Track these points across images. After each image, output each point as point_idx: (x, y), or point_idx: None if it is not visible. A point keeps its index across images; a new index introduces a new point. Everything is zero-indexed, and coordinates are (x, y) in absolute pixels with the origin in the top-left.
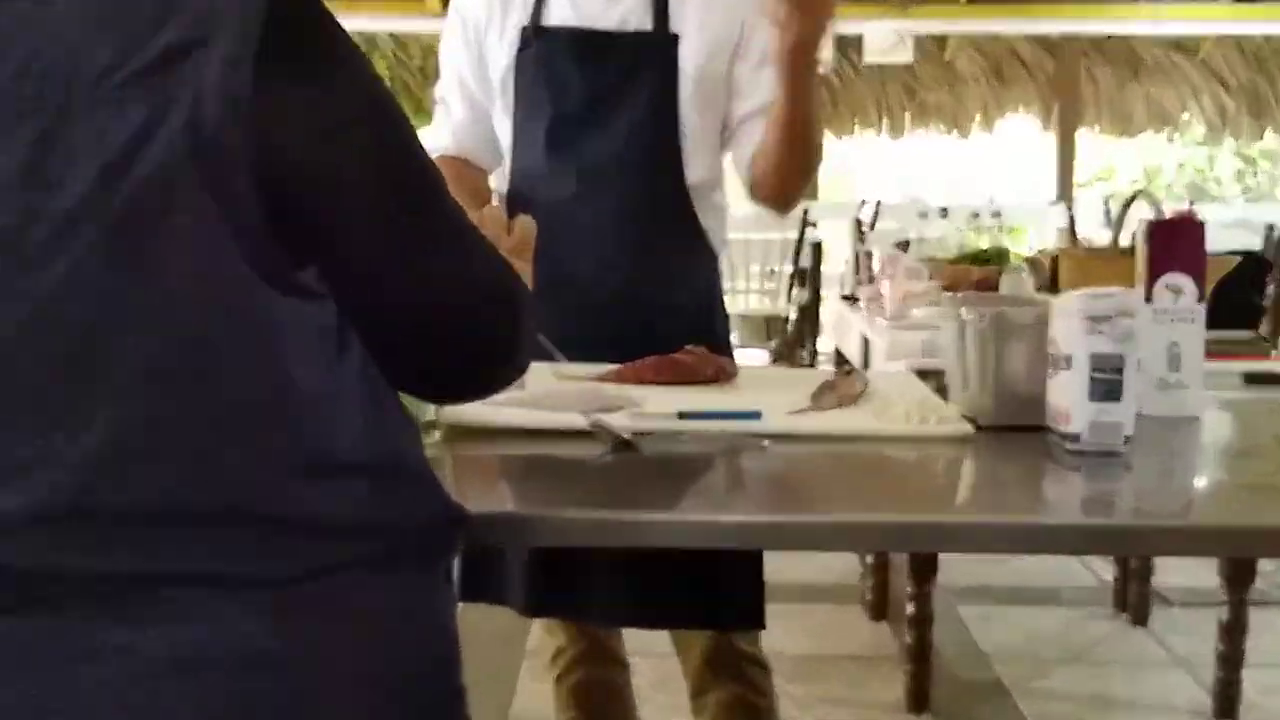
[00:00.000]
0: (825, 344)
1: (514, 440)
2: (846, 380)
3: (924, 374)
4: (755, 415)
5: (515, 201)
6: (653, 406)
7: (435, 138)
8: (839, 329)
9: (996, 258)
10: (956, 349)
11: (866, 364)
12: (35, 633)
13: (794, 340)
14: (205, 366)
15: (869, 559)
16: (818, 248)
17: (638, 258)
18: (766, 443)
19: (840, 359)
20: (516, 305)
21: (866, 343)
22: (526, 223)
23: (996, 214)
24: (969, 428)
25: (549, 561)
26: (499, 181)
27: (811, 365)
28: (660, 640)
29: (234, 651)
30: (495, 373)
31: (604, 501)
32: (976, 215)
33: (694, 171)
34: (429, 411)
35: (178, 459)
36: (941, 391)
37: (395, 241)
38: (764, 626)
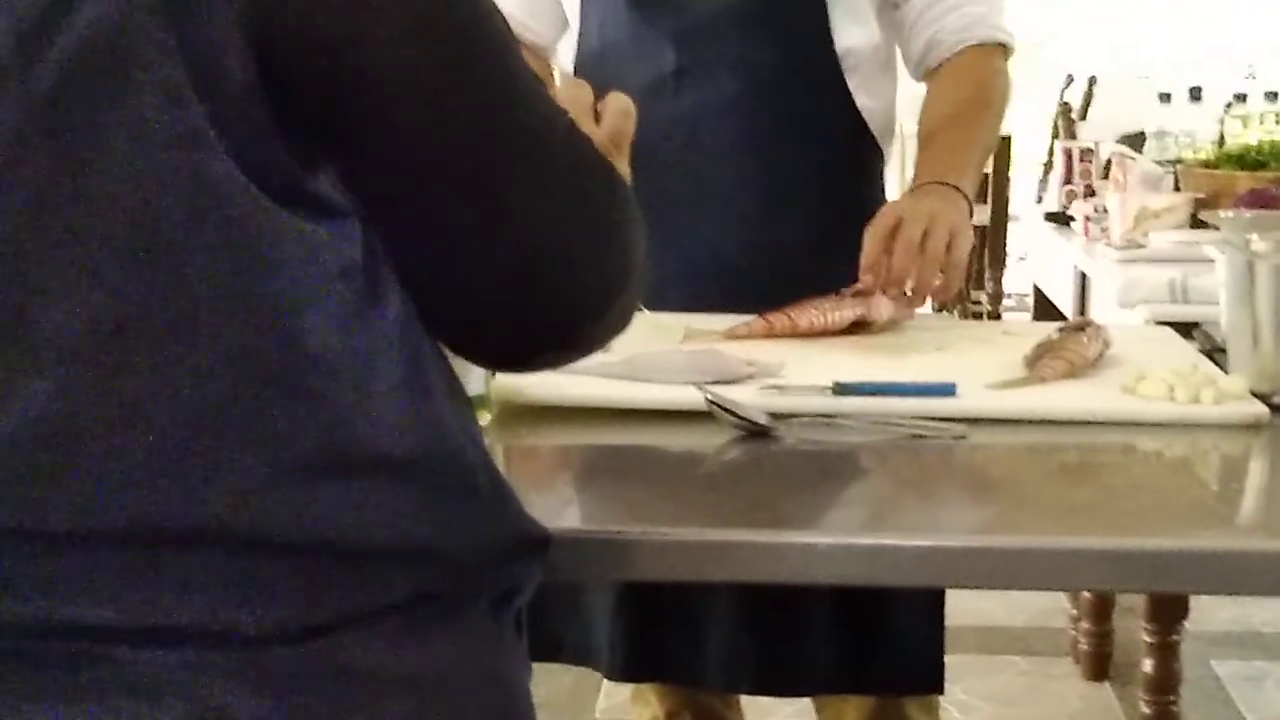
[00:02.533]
0: (1016, 281)
1: (595, 425)
2: (1075, 338)
3: (1173, 328)
4: (948, 390)
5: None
6: (797, 375)
7: None
8: (1039, 260)
9: (1275, 158)
10: (1238, 293)
11: (1083, 310)
12: None
13: (968, 276)
14: (168, 315)
15: (1083, 593)
16: (1004, 144)
17: (767, 162)
18: (965, 430)
19: (1043, 303)
20: (627, 227)
21: (1084, 281)
22: (622, 104)
23: (1273, 95)
24: (1261, 409)
25: (646, 602)
26: (564, 55)
27: (993, 313)
28: (796, 711)
29: None
30: (589, 327)
31: (727, 516)
32: (1242, 98)
33: (846, 32)
34: (476, 382)
35: (122, 454)
36: (1214, 356)
37: (450, 132)
38: (941, 690)
